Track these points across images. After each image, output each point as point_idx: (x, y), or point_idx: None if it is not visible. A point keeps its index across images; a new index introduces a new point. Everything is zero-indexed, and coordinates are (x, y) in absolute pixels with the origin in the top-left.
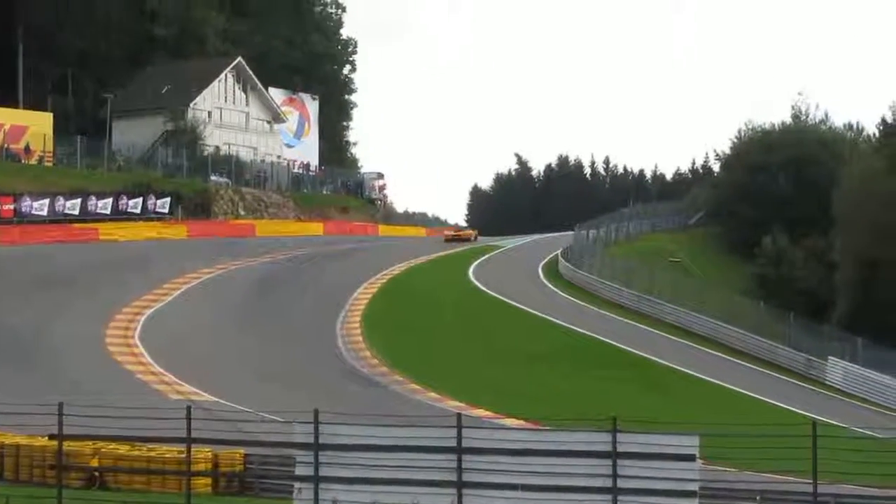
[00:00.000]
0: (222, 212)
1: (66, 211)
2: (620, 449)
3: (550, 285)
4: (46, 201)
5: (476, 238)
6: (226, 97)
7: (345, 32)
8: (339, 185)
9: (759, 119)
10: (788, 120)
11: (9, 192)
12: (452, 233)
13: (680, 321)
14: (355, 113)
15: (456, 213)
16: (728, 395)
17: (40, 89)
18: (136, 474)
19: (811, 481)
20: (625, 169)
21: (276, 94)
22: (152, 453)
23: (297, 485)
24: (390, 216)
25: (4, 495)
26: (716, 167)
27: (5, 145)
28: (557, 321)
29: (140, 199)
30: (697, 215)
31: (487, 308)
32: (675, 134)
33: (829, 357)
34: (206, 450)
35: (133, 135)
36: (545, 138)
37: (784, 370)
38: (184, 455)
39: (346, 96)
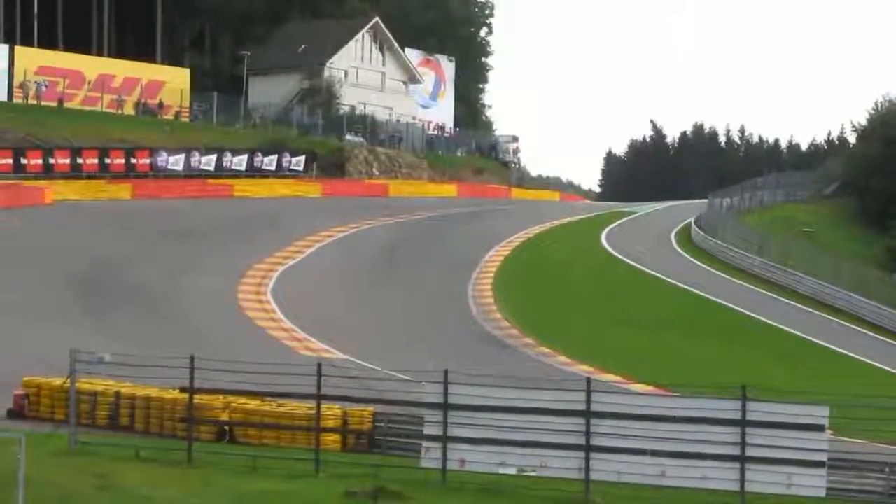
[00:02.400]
0: (356, 171)
1: (202, 166)
2: (749, 417)
3: (683, 252)
4: (182, 156)
5: None
6: (362, 57)
7: None
8: (473, 147)
9: None
10: None
11: (145, 146)
12: None
13: (813, 292)
14: (491, 75)
15: (590, 178)
16: (859, 368)
17: (178, 45)
18: (266, 429)
19: None
20: (760, 138)
21: (413, 55)
22: (282, 409)
23: (425, 444)
24: (524, 180)
25: (135, 447)
26: (852, 139)
27: (143, 100)
28: (688, 288)
29: (275, 157)
30: (832, 186)
31: (619, 273)
32: (811, 104)
33: None
34: (336, 407)
35: (269, 92)
36: (681, 105)
37: None
38: (313, 411)
39: (482, 59)
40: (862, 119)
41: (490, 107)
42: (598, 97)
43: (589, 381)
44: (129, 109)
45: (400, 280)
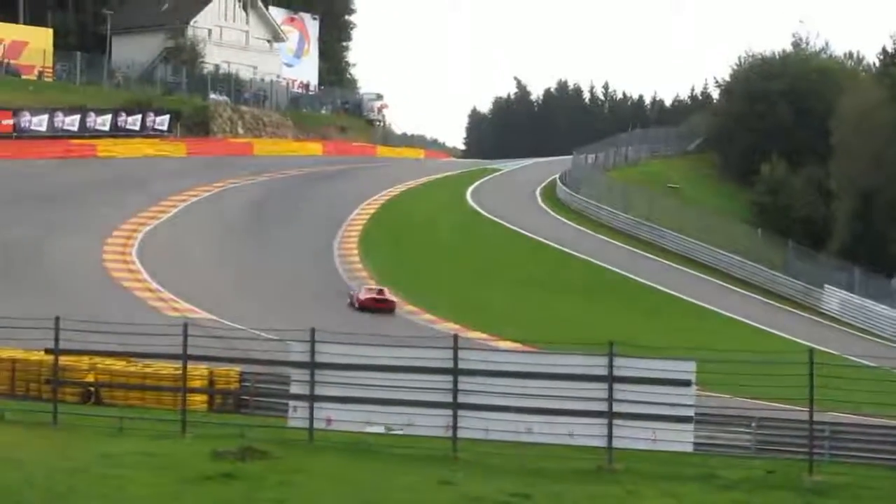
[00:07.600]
0: (221, 130)
1: (65, 127)
2: (617, 373)
3: (548, 209)
4: (45, 117)
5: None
6: (226, 15)
7: None
8: (338, 105)
9: (760, 47)
10: (789, 48)
11: (7, 108)
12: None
13: (678, 247)
14: (355, 33)
15: (455, 136)
16: (726, 322)
17: (40, 4)
18: (132, 390)
19: (807, 409)
20: (624, 94)
21: (277, 14)
22: (148, 370)
23: (291, 403)
24: (389, 138)
25: (0, 409)
26: (715, 94)
27: (5, 60)
28: (554, 245)
29: (139, 117)
30: (696, 142)
31: (484, 230)
32: (674, 61)
33: (826, 286)
34: (202, 367)
35: (133, 52)
36: (545, 63)
37: (782, 298)
38: (179, 372)
39: (347, 17)
40: (725, 75)
41: (354, 65)
42: (462, 55)
43: (456, 338)
44: None
45: (266, 239)
